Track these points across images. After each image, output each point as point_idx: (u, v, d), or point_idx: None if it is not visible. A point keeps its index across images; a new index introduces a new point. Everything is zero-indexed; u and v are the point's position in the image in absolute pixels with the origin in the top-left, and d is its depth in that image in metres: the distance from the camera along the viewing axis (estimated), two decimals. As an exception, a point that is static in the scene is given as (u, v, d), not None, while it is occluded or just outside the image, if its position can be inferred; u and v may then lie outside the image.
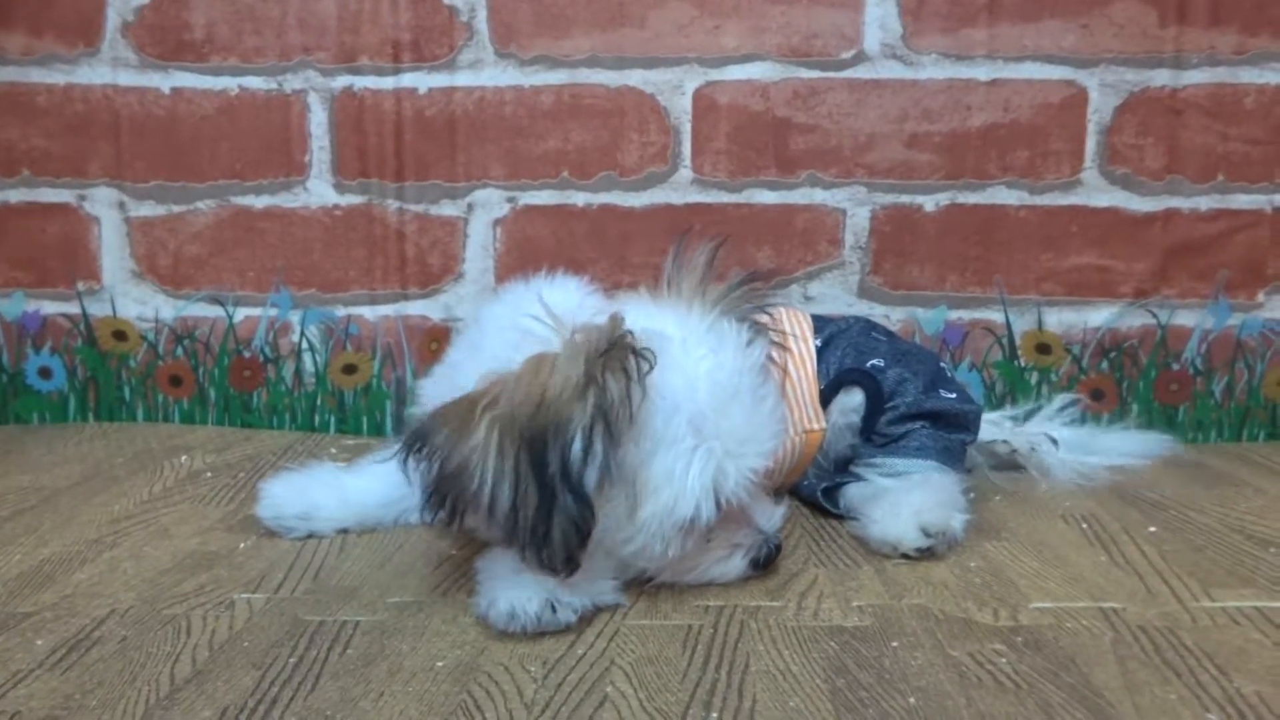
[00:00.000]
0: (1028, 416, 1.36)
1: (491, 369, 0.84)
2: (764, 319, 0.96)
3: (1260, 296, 1.44)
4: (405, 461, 0.82)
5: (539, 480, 0.79)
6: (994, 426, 1.29)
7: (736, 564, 0.93)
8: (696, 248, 0.94)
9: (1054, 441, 1.26)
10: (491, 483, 0.79)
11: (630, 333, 0.82)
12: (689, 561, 0.90)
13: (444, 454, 0.81)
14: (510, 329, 0.89)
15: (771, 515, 0.95)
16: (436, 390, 0.98)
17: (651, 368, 0.82)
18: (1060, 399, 1.38)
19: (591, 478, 0.79)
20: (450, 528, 0.87)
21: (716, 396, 0.85)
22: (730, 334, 0.90)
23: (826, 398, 1.16)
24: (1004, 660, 0.77)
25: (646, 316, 0.88)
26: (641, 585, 0.91)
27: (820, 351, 1.18)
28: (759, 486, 0.93)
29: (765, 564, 0.94)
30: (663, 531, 0.84)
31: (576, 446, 0.78)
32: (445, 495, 0.81)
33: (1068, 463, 1.26)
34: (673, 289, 0.93)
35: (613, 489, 0.82)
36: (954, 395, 1.16)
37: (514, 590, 0.82)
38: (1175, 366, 1.45)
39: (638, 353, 0.81)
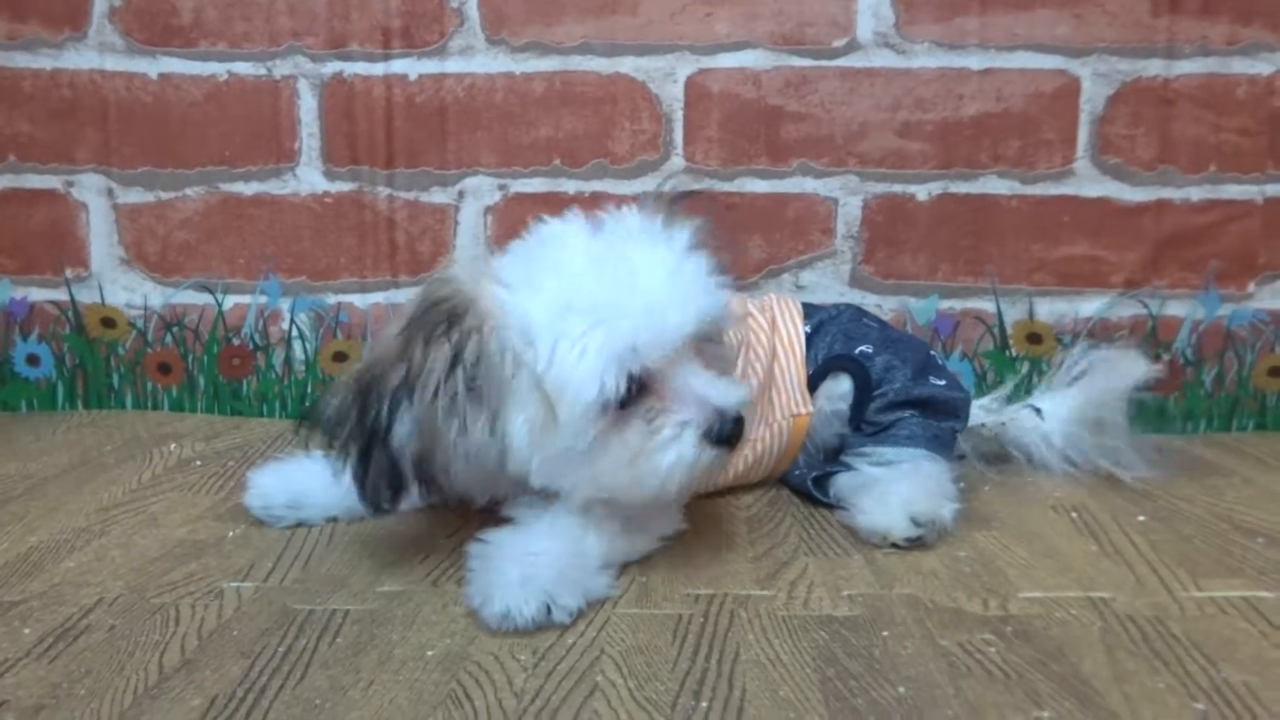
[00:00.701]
0: (1021, 391, 1.34)
1: None
2: (681, 209, 0.95)
3: (1250, 287, 1.44)
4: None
5: (358, 428, 0.85)
6: (981, 411, 1.28)
7: (687, 443, 0.86)
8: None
9: (1038, 411, 1.24)
10: (335, 424, 0.88)
11: (452, 291, 0.85)
12: (633, 452, 0.85)
13: (322, 413, 0.91)
14: None
15: (728, 392, 0.88)
16: None
17: (462, 331, 0.83)
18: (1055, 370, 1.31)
19: (400, 434, 0.83)
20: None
21: (613, 277, 0.84)
22: (634, 221, 0.90)
23: (814, 384, 1.16)
24: (993, 650, 0.77)
25: (552, 226, 0.91)
26: (634, 571, 0.91)
27: (810, 338, 1.18)
28: (713, 365, 0.91)
29: (723, 439, 0.86)
30: (579, 420, 0.83)
31: (384, 409, 0.83)
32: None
33: (1054, 442, 1.23)
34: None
35: (518, 408, 0.84)
36: (943, 383, 1.16)
37: (510, 591, 0.81)
38: (1165, 356, 1.46)
39: (449, 320, 0.84)
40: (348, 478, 0.88)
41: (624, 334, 0.82)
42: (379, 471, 0.85)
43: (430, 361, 0.83)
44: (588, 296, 0.83)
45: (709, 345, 0.92)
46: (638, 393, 0.85)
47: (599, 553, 0.89)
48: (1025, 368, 1.46)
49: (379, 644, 0.78)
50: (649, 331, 0.83)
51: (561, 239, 0.89)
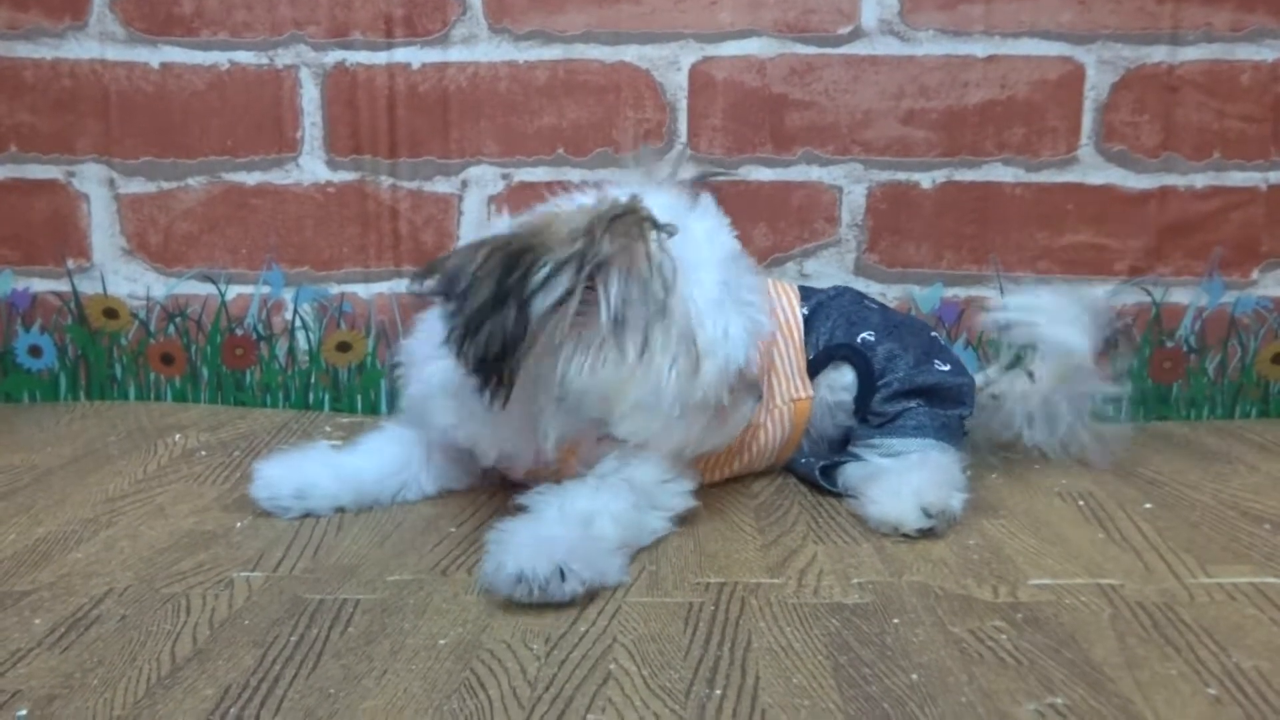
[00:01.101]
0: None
1: None
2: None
3: (1254, 274, 1.44)
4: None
5: (497, 283, 0.85)
6: (979, 378, 1.27)
7: (751, 405, 1.03)
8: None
9: (1030, 375, 1.22)
10: (464, 271, 0.87)
11: (645, 208, 0.88)
12: (733, 413, 1.00)
13: (452, 260, 0.90)
14: None
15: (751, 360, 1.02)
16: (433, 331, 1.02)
17: (671, 235, 0.88)
18: None
19: (540, 306, 0.84)
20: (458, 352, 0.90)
21: (731, 256, 0.96)
22: (709, 204, 0.99)
23: (815, 370, 1.16)
24: (1004, 637, 0.78)
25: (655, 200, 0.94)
26: (644, 560, 0.92)
27: (808, 320, 1.18)
28: None
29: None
30: (720, 383, 0.93)
31: (542, 272, 0.83)
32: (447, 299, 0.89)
33: (1041, 392, 1.21)
34: (630, 168, 1.02)
35: (672, 353, 0.89)
36: (948, 368, 1.16)
37: (524, 553, 0.82)
38: (1169, 344, 1.46)
39: (657, 224, 0.87)
40: (446, 335, 0.89)
41: (751, 316, 0.95)
42: (498, 328, 0.84)
43: (611, 251, 0.85)
44: (725, 272, 0.93)
45: None
46: None
47: (611, 535, 0.90)
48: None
49: (391, 633, 0.78)
50: (764, 317, 0.98)
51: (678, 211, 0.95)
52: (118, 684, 0.70)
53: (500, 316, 0.84)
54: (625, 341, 0.87)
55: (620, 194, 0.91)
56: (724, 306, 0.92)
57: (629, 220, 0.86)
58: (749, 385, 1.01)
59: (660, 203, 0.93)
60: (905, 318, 1.25)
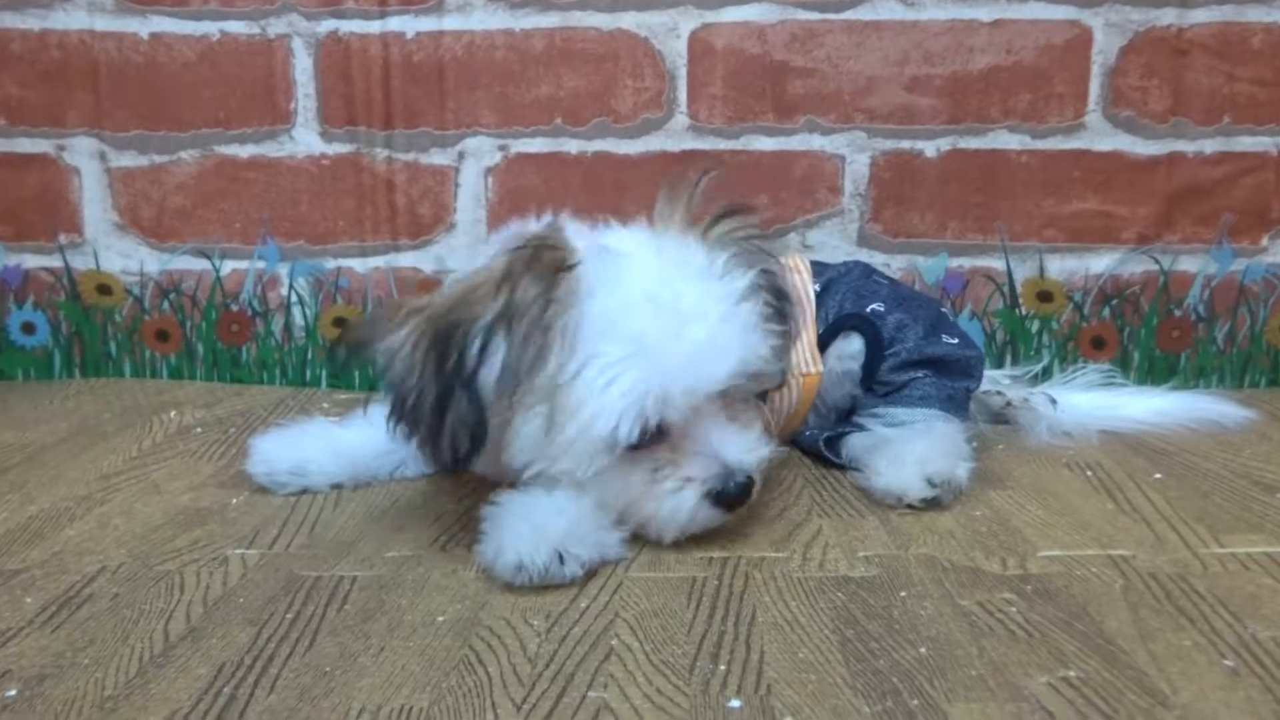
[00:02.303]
0: (1036, 378, 1.34)
1: None
2: (757, 251, 0.93)
3: (1264, 241, 1.42)
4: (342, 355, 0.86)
5: (437, 375, 0.80)
6: (990, 382, 1.26)
7: (686, 500, 0.84)
8: (688, 180, 0.91)
9: (1053, 401, 1.23)
10: (402, 376, 0.81)
11: (559, 238, 0.82)
12: (632, 496, 0.85)
13: (377, 350, 0.84)
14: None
15: (746, 449, 0.87)
16: None
17: (570, 269, 0.81)
18: (1089, 372, 1.32)
19: (488, 377, 0.79)
20: (407, 441, 0.85)
21: (662, 317, 0.82)
22: (700, 259, 0.87)
23: (825, 342, 1.14)
24: (1014, 609, 0.76)
25: (620, 239, 0.88)
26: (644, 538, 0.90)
27: (819, 296, 1.16)
28: (737, 417, 0.89)
29: (728, 502, 0.85)
30: (585, 449, 0.81)
31: (475, 344, 0.79)
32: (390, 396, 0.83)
33: (1061, 422, 1.21)
34: (663, 220, 0.91)
35: (532, 400, 0.81)
36: (956, 341, 1.14)
37: (522, 541, 0.80)
38: (1177, 313, 1.44)
39: (559, 256, 0.81)
40: (411, 443, 0.83)
41: (654, 380, 0.81)
42: (459, 420, 0.79)
43: (533, 296, 0.79)
44: (633, 327, 0.81)
45: (741, 392, 0.89)
46: (652, 438, 0.83)
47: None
48: (1036, 325, 1.44)
49: (388, 610, 0.77)
50: (680, 383, 0.82)
51: (627, 255, 0.86)
52: (109, 663, 0.69)
53: (455, 408, 0.79)
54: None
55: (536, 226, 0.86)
56: (602, 361, 0.80)
57: (542, 255, 0.80)
58: (665, 470, 0.86)
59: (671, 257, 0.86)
60: (914, 292, 1.24)
